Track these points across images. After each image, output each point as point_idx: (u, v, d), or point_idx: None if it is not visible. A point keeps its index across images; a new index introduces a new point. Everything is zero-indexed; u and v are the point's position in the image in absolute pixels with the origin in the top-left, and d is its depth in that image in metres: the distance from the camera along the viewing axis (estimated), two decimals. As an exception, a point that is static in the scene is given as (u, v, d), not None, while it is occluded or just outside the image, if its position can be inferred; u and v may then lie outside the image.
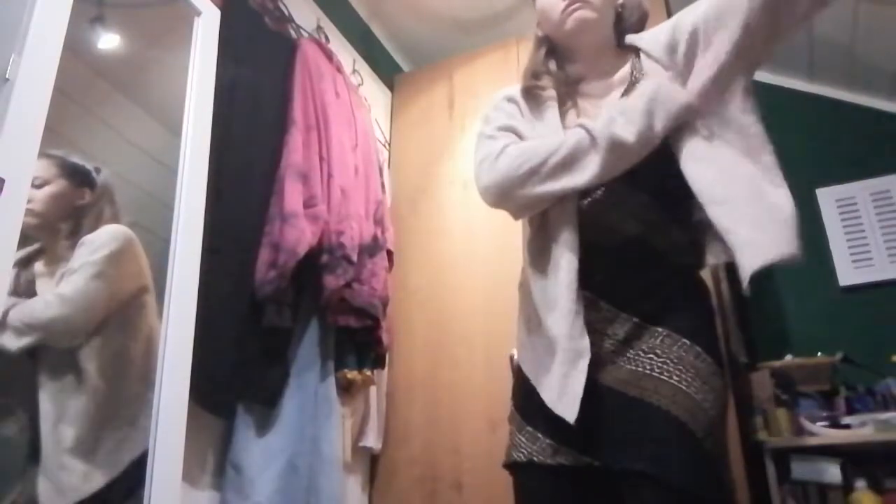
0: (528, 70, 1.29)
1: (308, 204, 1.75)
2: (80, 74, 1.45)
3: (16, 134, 1.06)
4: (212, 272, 1.47)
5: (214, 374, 1.48)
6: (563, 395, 1.05)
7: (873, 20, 2.36)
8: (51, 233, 1.44)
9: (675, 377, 1.03)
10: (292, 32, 2.09)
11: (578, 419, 1.02)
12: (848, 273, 2.48)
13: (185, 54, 1.53)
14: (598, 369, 1.08)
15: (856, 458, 1.92)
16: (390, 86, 2.76)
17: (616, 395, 1.06)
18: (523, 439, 1.14)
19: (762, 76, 2.91)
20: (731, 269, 2.37)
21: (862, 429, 1.92)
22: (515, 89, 1.29)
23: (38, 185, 1.39)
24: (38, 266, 1.43)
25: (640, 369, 1.06)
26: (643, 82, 1.15)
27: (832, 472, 1.87)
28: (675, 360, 1.04)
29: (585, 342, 1.06)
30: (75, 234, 1.44)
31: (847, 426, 1.95)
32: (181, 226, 1.40)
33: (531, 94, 1.26)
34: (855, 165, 2.59)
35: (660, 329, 1.08)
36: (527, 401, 1.14)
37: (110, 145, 1.61)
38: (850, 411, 2.04)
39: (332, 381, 1.81)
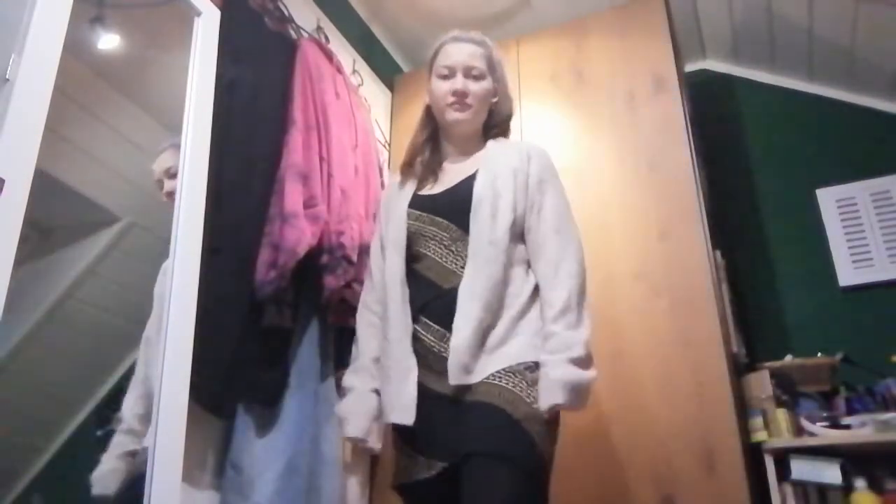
0: (406, 155, 1.59)
1: (308, 204, 1.75)
2: (80, 75, 1.45)
3: (16, 134, 1.06)
4: (212, 272, 1.47)
5: (214, 374, 1.49)
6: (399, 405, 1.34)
7: (873, 21, 2.36)
8: None
9: (509, 384, 1.28)
10: (292, 33, 2.09)
11: (439, 431, 1.30)
12: (848, 273, 2.48)
13: (185, 54, 1.53)
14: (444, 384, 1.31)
15: (856, 459, 1.92)
16: (390, 86, 2.76)
17: (463, 403, 1.30)
18: (409, 462, 1.36)
19: (762, 76, 2.92)
20: (730, 268, 2.38)
21: (862, 429, 1.91)
22: (390, 184, 1.68)
23: (174, 174, 1.47)
24: None
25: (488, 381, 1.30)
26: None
27: (832, 473, 1.87)
28: (512, 374, 1.30)
29: (413, 361, 1.36)
30: None
31: (847, 426, 1.95)
32: (181, 226, 1.40)
33: (405, 172, 1.59)
34: (855, 166, 2.59)
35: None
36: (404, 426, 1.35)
37: (110, 145, 1.61)
38: (850, 412, 2.03)
39: (332, 381, 1.81)
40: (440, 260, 1.42)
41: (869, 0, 2.28)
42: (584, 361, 1.29)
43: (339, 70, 2.19)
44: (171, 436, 1.27)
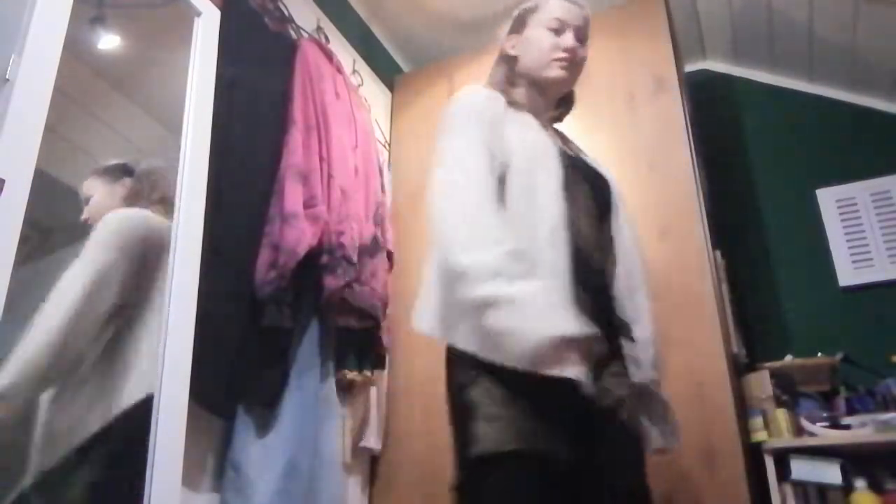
0: (497, 82, 1.43)
1: (308, 204, 1.75)
2: (80, 75, 1.45)
3: (16, 134, 1.06)
4: (212, 272, 1.47)
5: (214, 374, 1.48)
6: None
7: (873, 21, 2.36)
8: None
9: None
10: (292, 33, 2.09)
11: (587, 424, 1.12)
12: (848, 273, 2.48)
13: (186, 55, 1.53)
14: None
15: (856, 459, 1.92)
16: (390, 86, 2.76)
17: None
18: (541, 427, 1.06)
19: (763, 77, 2.91)
20: (730, 268, 2.37)
21: (862, 429, 1.91)
22: (492, 95, 1.35)
23: (86, 201, 1.47)
24: None
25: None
26: None
27: (832, 473, 1.87)
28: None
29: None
30: None
31: (847, 427, 1.95)
32: (181, 226, 1.40)
33: (512, 99, 1.38)
34: (855, 166, 2.59)
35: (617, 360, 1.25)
36: (542, 389, 1.04)
37: (110, 146, 1.61)
38: (851, 412, 2.03)
39: (332, 381, 1.81)
40: (588, 233, 1.29)
41: (869, 0, 2.28)
42: None
43: (339, 70, 2.19)
44: (171, 436, 1.27)
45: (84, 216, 1.50)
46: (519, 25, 1.44)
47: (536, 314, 1.03)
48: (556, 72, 1.38)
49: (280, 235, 1.66)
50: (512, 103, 1.36)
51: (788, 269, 2.59)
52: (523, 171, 1.22)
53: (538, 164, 1.24)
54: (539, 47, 1.39)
